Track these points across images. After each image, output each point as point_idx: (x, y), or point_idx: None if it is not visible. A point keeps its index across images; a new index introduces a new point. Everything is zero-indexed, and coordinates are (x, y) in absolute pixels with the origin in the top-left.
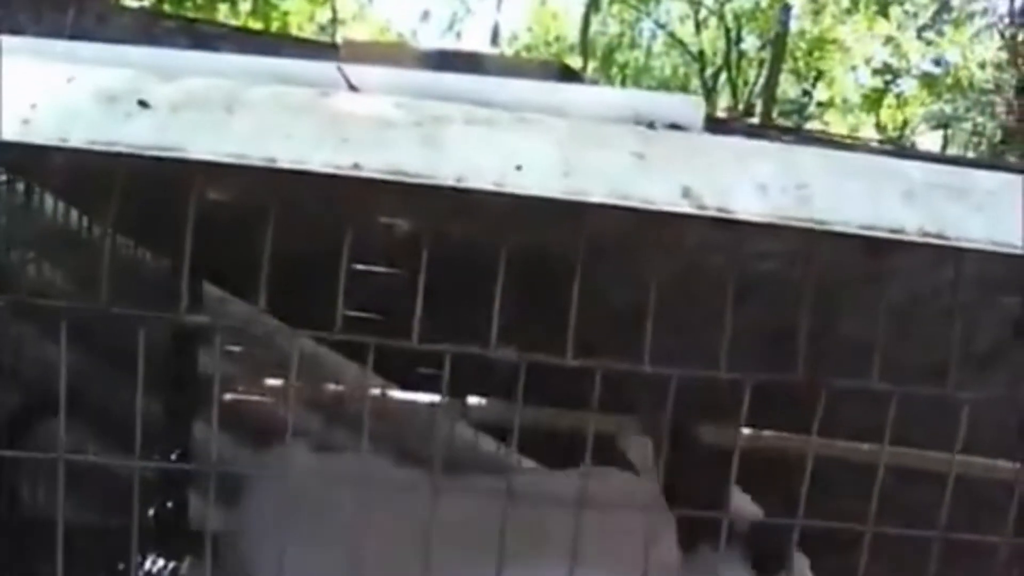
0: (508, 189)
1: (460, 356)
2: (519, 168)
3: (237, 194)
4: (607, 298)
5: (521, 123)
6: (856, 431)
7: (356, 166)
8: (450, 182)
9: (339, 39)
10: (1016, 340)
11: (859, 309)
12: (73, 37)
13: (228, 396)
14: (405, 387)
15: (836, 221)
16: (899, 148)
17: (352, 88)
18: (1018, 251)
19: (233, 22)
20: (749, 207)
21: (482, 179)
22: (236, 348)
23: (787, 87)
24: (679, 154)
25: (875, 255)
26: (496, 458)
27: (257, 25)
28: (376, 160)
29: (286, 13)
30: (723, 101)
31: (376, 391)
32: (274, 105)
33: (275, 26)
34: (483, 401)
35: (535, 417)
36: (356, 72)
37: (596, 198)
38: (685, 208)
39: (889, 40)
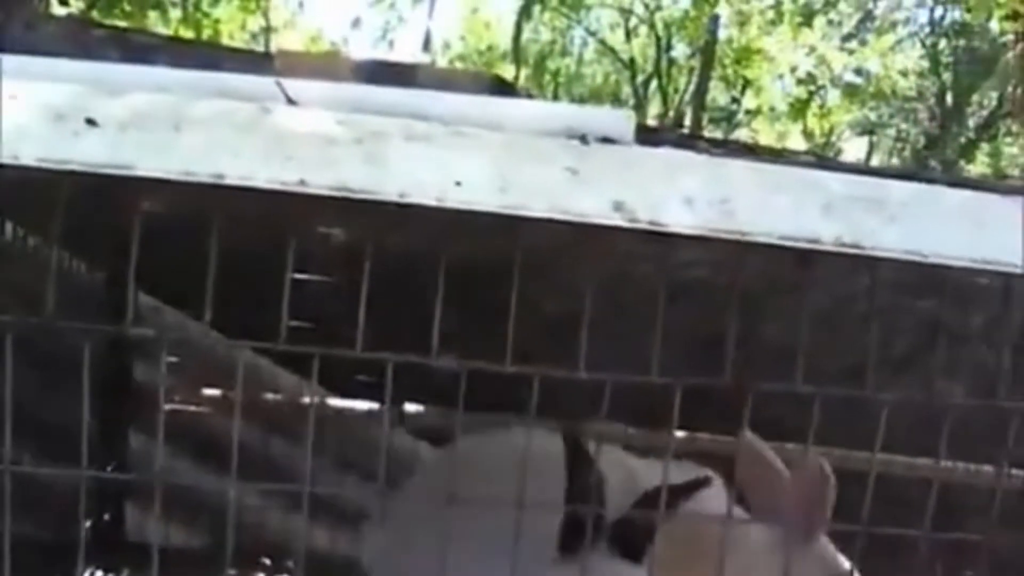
0: (449, 204)
1: (399, 364)
2: (459, 184)
3: (172, 206)
4: (545, 307)
5: (458, 138)
6: (785, 431)
7: (302, 183)
8: (394, 198)
9: (273, 48)
10: (933, 343)
11: (785, 315)
12: (0, 47)
13: (167, 407)
14: (344, 395)
15: (759, 232)
16: (823, 159)
17: (291, 102)
18: (928, 260)
19: (163, 30)
20: (678, 220)
21: (424, 195)
22: (173, 359)
23: (717, 95)
24: (611, 169)
25: (802, 264)
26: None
27: (188, 33)
28: (321, 177)
29: (217, 21)
30: (655, 108)
31: (315, 400)
32: (219, 122)
33: (206, 34)
34: (421, 408)
35: (475, 423)
36: (294, 86)
37: (533, 212)
38: (618, 221)
39: (812, 50)
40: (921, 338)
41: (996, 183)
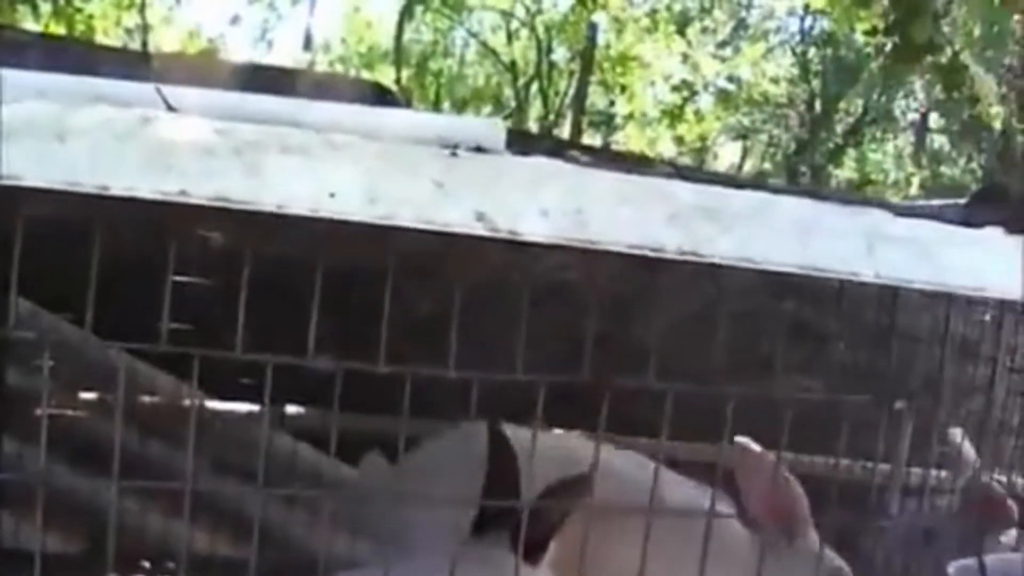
0: (323, 214)
1: (279, 367)
2: (332, 195)
3: (53, 212)
4: (418, 310)
5: (332, 149)
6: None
7: (183, 193)
8: (270, 208)
9: (150, 46)
10: (791, 342)
11: (646, 318)
12: None
13: (40, 411)
14: (223, 398)
15: (608, 241)
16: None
17: (171, 109)
18: (760, 266)
19: (34, 26)
20: (535, 230)
21: (300, 206)
22: (49, 363)
23: (596, 99)
24: (475, 180)
25: (651, 271)
26: (316, 465)
27: (60, 29)
28: (202, 188)
29: (91, 17)
30: (536, 111)
31: (195, 402)
32: (102, 132)
33: (80, 30)
34: (301, 410)
35: (352, 424)
36: (174, 93)
37: (401, 222)
38: (480, 231)
39: (687, 58)
40: (781, 338)
41: (841, 193)
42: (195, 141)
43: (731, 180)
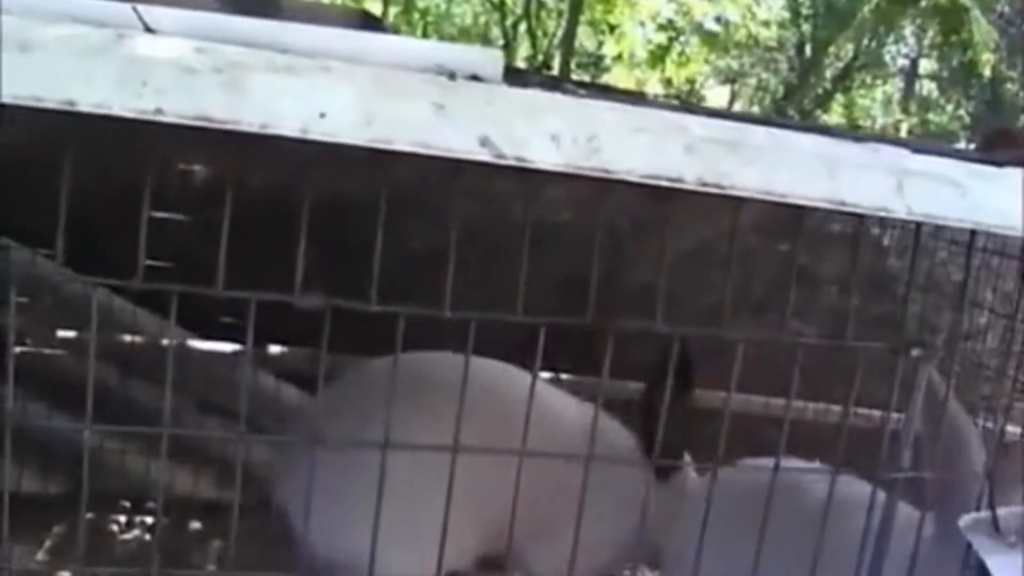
0: (312, 136)
1: (261, 304)
2: (323, 116)
3: (18, 135)
4: (412, 244)
5: (323, 71)
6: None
7: (159, 111)
8: (254, 128)
9: None
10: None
11: (649, 257)
12: None
13: (18, 349)
14: (206, 336)
15: (622, 170)
16: (685, 103)
17: (148, 30)
18: (784, 200)
19: None
20: (544, 157)
21: (287, 126)
22: (22, 299)
23: (585, 39)
24: (478, 105)
25: (663, 201)
26: (298, 406)
27: None
28: (179, 105)
29: None
30: (524, 51)
31: (174, 340)
32: (71, 47)
33: None
34: (284, 349)
35: (344, 364)
36: (152, 13)
37: (398, 146)
38: (484, 157)
39: None
40: (779, 281)
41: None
42: (174, 59)
43: (739, 118)
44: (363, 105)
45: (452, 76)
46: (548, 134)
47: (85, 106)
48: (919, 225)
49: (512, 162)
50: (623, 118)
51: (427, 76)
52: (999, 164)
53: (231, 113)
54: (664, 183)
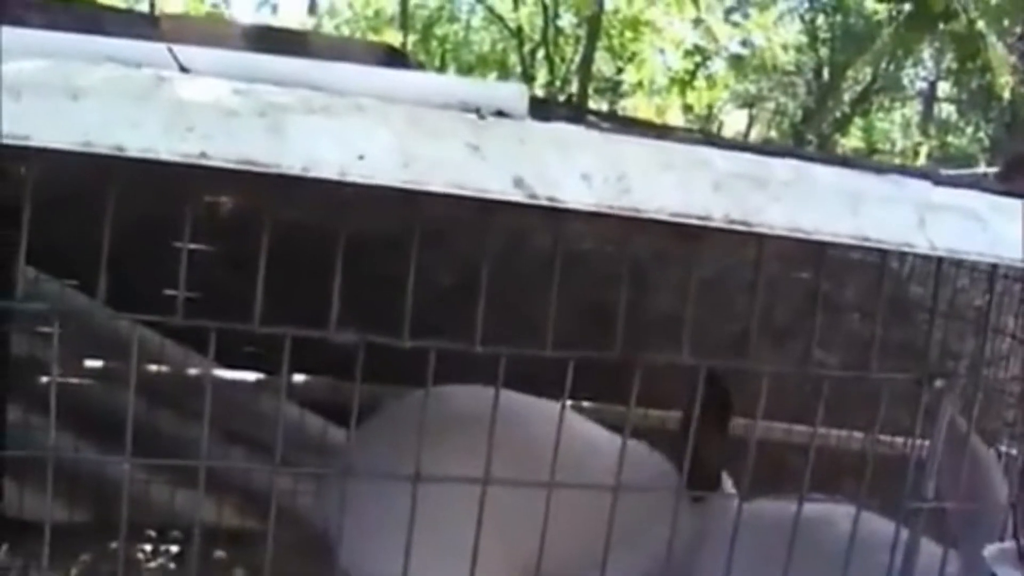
0: (351, 178)
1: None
2: (361, 158)
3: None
4: (441, 279)
5: (358, 111)
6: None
7: (203, 155)
8: (295, 171)
9: (156, 9)
10: (812, 314)
11: (674, 291)
12: None
13: (47, 379)
14: (228, 365)
15: (652, 209)
16: (708, 135)
17: (183, 69)
18: (811, 237)
19: None
20: (576, 197)
21: (327, 169)
22: (50, 329)
23: (603, 65)
24: (510, 144)
25: (685, 242)
26: (322, 436)
27: None
28: (224, 149)
29: None
30: (542, 78)
31: (207, 372)
32: (117, 91)
33: None
34: (308, 378)
35: (372, 395)
36: (186, 53)
37: (435, 187)
38: (518, 197)
39: (699, 22)
40: (801, 309)
41: (864, 160)
42: (215, 101)
43: (758, 149)
44: (400, 147)
45: (480, 112)
46: (579, 173)
47: (133, 151)
48: (940, 258)
49: (544, 202)
50: (651, 155)
51: (457, 114)
52: (1020, 195)
53: (273, 157)
54: (693, 221)
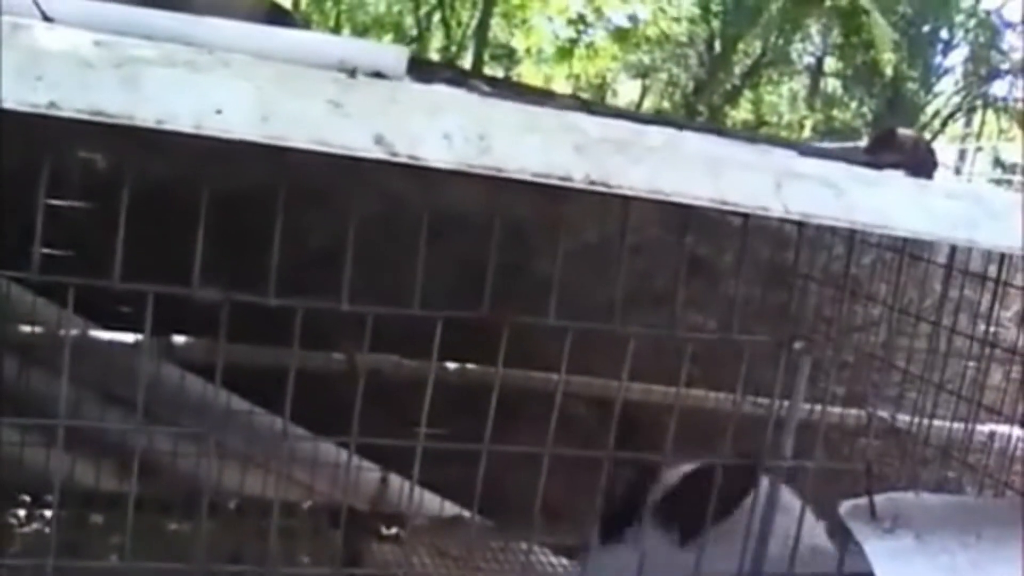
0: (207, 132)
1: (164, 295)
2: (219, 112)
3: None
4: (311, 238)
5: (222, 66)
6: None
7: (52, 105)
8: (149, 124)
9: None
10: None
11: (548, 251)
12: None
13: None
14: (107, 326)
15: (513, 169)
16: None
17: (47, 19)
18: (670, 199)
19: None
20: (437, 155)
21: (182, 121)
22: None
23: (499, 32)
24: (375, 103)
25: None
26: (203, 398)
27: None
28: (73, 100)
29: None
30: (437, 41)
31: (76, 331)
32: None
33: None
34: (189, 340)
35: (243, 355)
36: (52, 3)
37: (294, 144)
38: (378, 155)
39: None
40: (680, 274)
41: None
42: (70, 52)
43: (637, 117)
44: (259, 102)
45: (353, 73)
46: (441, 133)
47: None
48: (801, 224)
49: (406, 160)
50: (516, 117)
51: (326, 73)
52: (881, 166)
53: (126, 108)
54: (554, 181)
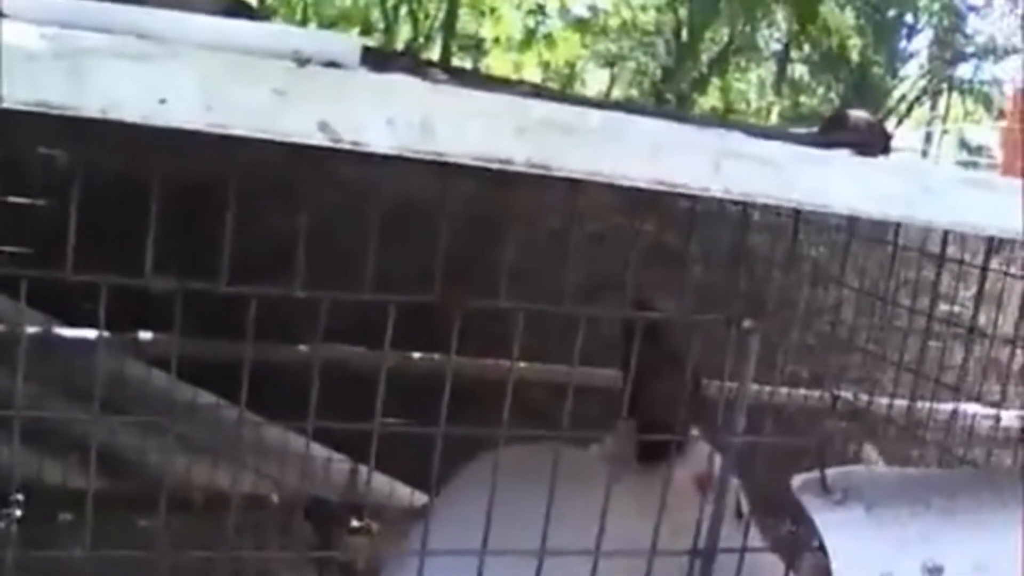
0: (153, 122)
1: (124, 290)
2: (163, 101)
3: None
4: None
5: (170, 57)
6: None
7: None
8: (94, 114)
9: None
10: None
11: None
12: None
13: None
14: (69, 323)
15: (456, 153)
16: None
17: (1, 15)
18: (609, 180)
19: None
20: (380, 140)
21: (128, 111)
22: None
23: (467, 22)
24: (320, 91)
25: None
26: (169, 393)
27: None
28: (17, 92)
29: None
30: (405, 34)
31: (37, 328)
32: None
33: None
34: (155, 336)
35: (207, 350)
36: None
37: (238, 131)
38: (322, 141)
39: None
40: (641, 260)
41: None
42: (16, 45)
43: (587, 100)
44: (204, 91)
45: (303, 62)
46: (385, 119)
47: None
48: (745, 206)
49: (349, 146)
50: (461, 103)
51: (274, 62)
52: (829, 146)
53: (71, 99)
54: (496, 165)
